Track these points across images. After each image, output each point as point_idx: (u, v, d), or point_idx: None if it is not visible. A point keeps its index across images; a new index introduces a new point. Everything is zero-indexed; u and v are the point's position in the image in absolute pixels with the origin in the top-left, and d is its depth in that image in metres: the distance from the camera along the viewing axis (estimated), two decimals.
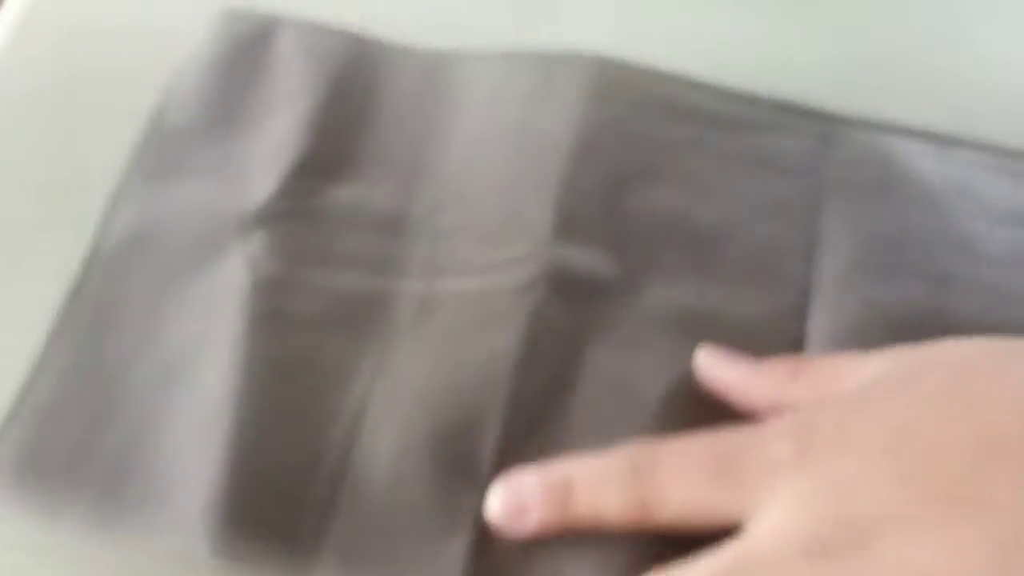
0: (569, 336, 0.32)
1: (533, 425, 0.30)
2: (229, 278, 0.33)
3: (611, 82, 0.37)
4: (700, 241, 0.34)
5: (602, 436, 0.30)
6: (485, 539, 0.28)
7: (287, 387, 0.31)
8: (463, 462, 0.29)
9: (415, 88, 0.38)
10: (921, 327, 0.31)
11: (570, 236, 0.33)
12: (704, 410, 0.30)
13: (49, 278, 0.33)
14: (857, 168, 0.35)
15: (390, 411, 0.31)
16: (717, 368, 0.31)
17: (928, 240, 0.34)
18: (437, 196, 0.35)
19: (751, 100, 0.37)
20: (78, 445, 0.30)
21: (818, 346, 0.32)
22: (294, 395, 0.31)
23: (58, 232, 0.35)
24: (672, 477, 0.27)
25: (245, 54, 0.38)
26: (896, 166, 0.35)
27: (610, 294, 0.33)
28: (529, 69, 0.37)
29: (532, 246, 0.33)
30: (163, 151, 0.36)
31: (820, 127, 0.36)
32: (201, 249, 0.34)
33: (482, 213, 0.34)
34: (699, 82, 0.37)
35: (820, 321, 0.32)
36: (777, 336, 0.32)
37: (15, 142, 0.37)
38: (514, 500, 0.28)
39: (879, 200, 0.34)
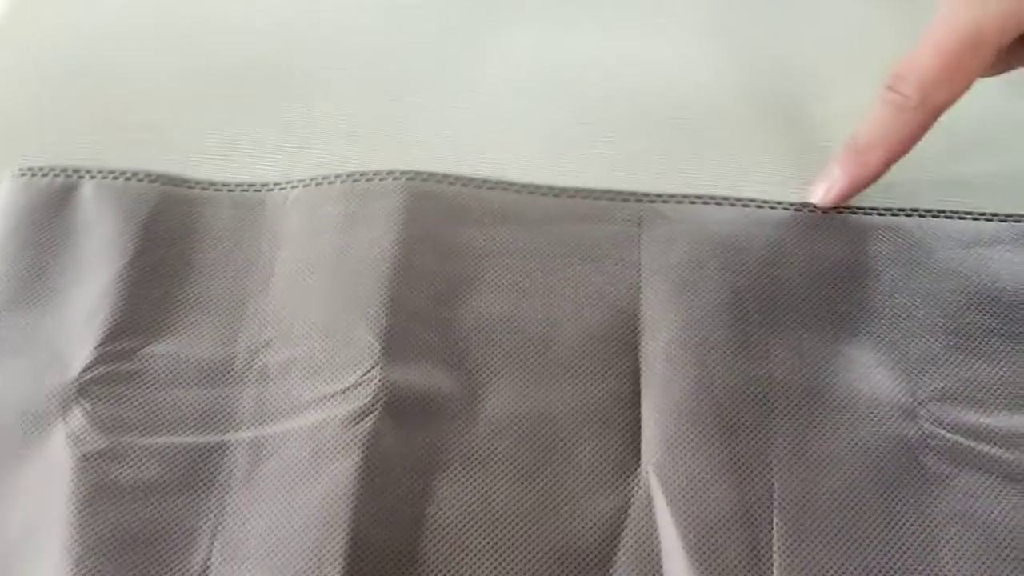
0: (409, 464, 0.32)
1: (380, 567, 0.30)
2: (54, 459, 0.32)
3: (423, 196, 0.37)
4: (530, 341, 0.34)
5: (456, 566, 0.30)
6: None
7: (124, 565, 0.30)
8: None
9: (229, 226, 0.37)
10: (749, 398, 0.32)
11: (401, 356, 0.33)
12: (560, 528, 0.31)
13: None
14: (671, 246, 0.36)
15: (232, 571, 0.30)
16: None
17: (746, 310, 0.35)
18: (261, 336, 0.35)
19: (564, 192, 0.38)
20: None
21: (653, 429, 0.32)
22: (134, 570, 0.30)
23: None
24: None
25: (46, 216, 0.37)
26: (710, 237, 0.37)
27: (449, 409, 0.33)
28: (342, 193, 0.37)
29: (363, 372, 0.33)
30: None
31: (634, 209, 0.37)
32: (23, 432, 0.32)
33: (308, 346, 0.34)
34: (510, 182, 0.38)
35: (652, 405, 0.33)
36: (613, 425, 0.33)
37: None
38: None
39: (696, 275, 0.35)
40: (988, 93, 0.36)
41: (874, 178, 0.36)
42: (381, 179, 0.37)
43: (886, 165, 0.35)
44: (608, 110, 0.41)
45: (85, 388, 0.33)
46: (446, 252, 0.36)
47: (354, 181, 0.37)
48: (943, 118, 0.34)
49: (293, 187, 0.38)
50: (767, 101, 0.42)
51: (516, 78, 0.42)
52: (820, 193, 0.37)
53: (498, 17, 0.44)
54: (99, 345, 0.33)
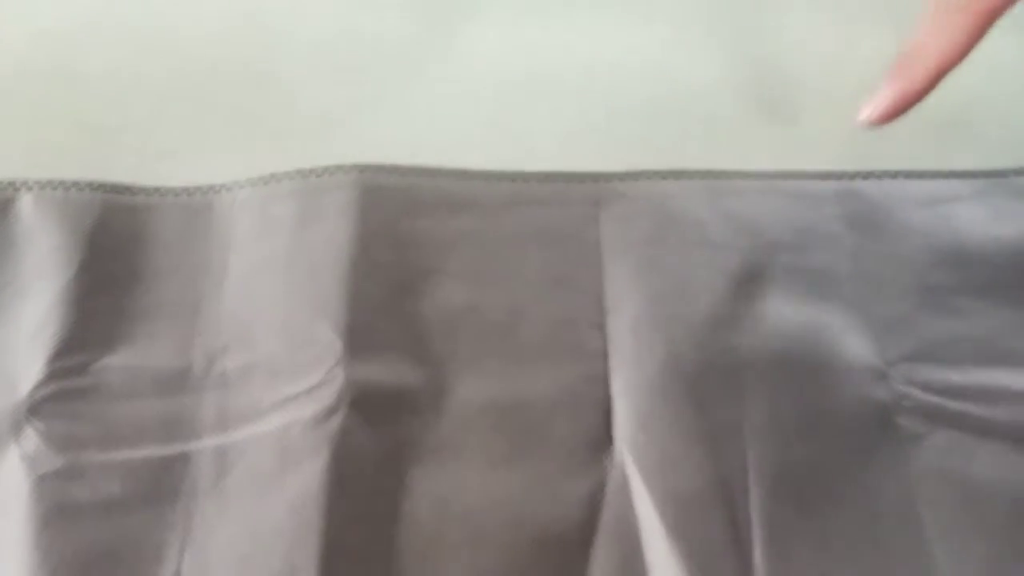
0: (380, 460, 0.31)
1: (356, 567, 0.29)
2: (8, 483, 0.30)
3: (377, 189, 0.36)
4: (495, 329, 0.34)
5: (434, 560, 0.29)
6: None
7: None
8: None
9: (177, 232, 0.36)
10: (719, 370, 0.32)
11: (364, 351, 0.32)
12: (537, 513, 0.30)
13: None
14: (631, 224, 0.36)
15: None
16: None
17: (709, 284, 0.34)
18: (218, 341, 0.34)
19: (519, 177, 0.37)
20: None
21: (625, 408, 0.32)
22: None
23: None
24: None
25: None
26: (670, 212, 0.36)
27: (417, 401, 0.32)
28: (292, 191, 0.36)
29: (326, 370, 0.32)
30: None
31: (591, 190, 0.37)
32: None
33: (269, 348, 0.33)
34: (465, 170, 0.37)
35: (622, 383, 0.32)
36: (584, 406, 0.32)
37: None
38: None
39: (657, 251, 0.35)
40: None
41: (924, 91, 0.31)
42: (331, 174, 0.36)
43: (937, 76, 0.31)
44: (581, 101, 0.41)
45: (36, 407, 0.31)
46: (404, 244, 0.35)
47: (304, 178, 0.36)
48: None
49: (241, 188, 0.37)
50: (742, 90, 0.42)
51: (481, 70, 0.41)
52: (866, 112, 0.32)
53: (463, 9, 0.43)
54: (49, 361, 0.32)
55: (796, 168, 0.38)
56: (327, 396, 0.31)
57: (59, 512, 0.30)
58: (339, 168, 0.36)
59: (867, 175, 0.38)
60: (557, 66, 0.42)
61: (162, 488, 0.31)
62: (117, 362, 0.33)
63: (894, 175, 0.38)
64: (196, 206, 0.37)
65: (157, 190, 0.37)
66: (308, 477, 0.30)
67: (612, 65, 0.42)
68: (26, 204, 0.36)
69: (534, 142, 0.39)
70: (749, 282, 0.34)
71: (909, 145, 0.39)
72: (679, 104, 0.41)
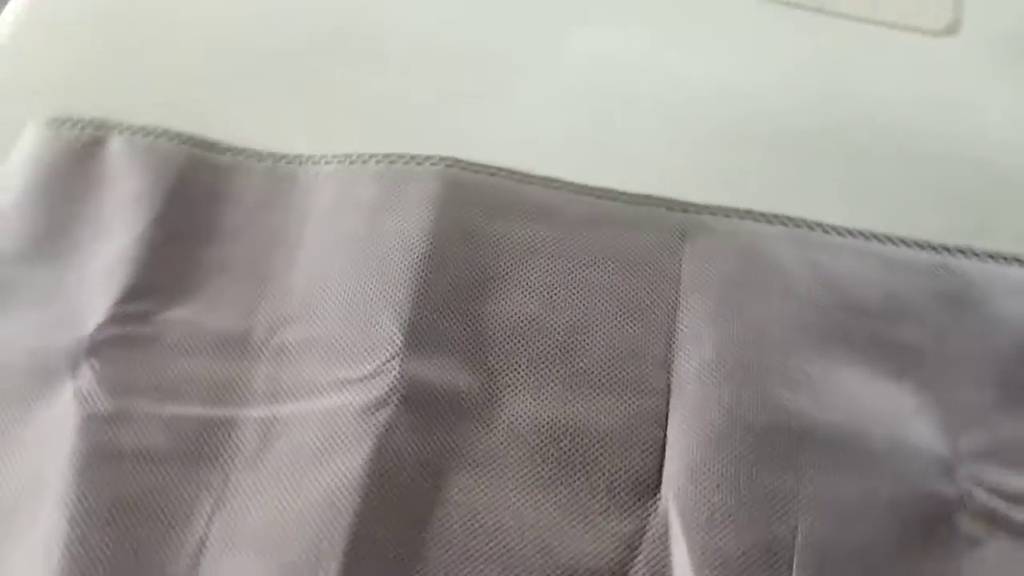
0: (420, 461, 0.30)
1: (379, 566, 0.28)
2: (60, 415, 0.31)
3: (460, 185, 0.35)
4: (557, 347, 0.33)
5: (458, 573, 0.29)
6: None
7: (120, 529, 0.29)
8: None
9: (258, 196, 0.36)
10: (782, 432, 0.31)
11: (422, 348, 0.32)
12: (570, 545, 0.29)
13: None
14: (715, 262, 0.35)
15: (228, 552, 0.29)
16: None
17: (786, 338, 0.33)
18: (281, 311, 0.33)
19: (608, 195, 0.36)
20: None
21: (678, 455, 0.31)
22: (128, 538, 0.29)
23: None
24: None
25: (72, 168, 0.36)
26: (755, 255, 0.35)
27: (467, 408, 0.32)
28: (376, 174, 0.36)
29: (382, 361, 0.32)
30: None
31: (678, 220, 0.36)
32: (33, 385, 0.32)
33: (329, 328, 0.33)
34: (551, 179, 0.37)
35: (679, 429, 0.31)
36: (637, 445, 0.31)
37: None
38: None
39: (737, 295, 0.34)
40: None
41: None
42: (418, 163, 0.36)
43: None
44: (664, 120, 0.40)
45: (96, 347, 0.32)
46: (478, 245, 0.34)
47: (390, 163, 0.36)
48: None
49: (327, 163, 0.37)
50: (829, 126, 0.40)
51: (583, 80, 0.41)
52: None
53: (566, 20, 0.43)
54: (115, 304, 0.32)
55: (889, 229, 0.36)
56: (379, 387, 0.31)
57: (101, 455, 0.30)
58: (426, 158, 0.36)
59: (966, 252, 0.36)
60: (659, 86, 0.41)
61: (204, 450, 0.31)
62: (180, 316, 0.33)
63: (994, 257, 0.36)
64: (280, 173, 0.37)
65: (243, 151, 0.37)
66: (347, 467, 0.30)
67: (714, 92, 0.41)
68: (115, 146, 0.36)
69: (624, 159, 0.38)
70: (827, 343, 0.33)
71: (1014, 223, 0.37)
72: (770, 139, 0.39)
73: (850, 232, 0.36)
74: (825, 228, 0.36)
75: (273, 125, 0.38)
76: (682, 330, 0.33)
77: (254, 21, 0.41)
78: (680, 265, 0.35)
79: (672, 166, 0.38)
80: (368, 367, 0.32)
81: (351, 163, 0.36)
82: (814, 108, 0.41)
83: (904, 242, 0.36)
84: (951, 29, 0.43)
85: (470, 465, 0.31)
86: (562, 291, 0.34)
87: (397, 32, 0.41)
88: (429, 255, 0.34)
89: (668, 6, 0.44)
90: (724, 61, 0.42)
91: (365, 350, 0.32)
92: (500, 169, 0.36)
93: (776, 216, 0.36)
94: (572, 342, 0.33)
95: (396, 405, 0.31)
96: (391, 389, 0.31)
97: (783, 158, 0.39)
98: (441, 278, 0.33)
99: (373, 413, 0.31)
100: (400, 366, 0.31)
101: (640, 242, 0.35)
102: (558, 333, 0.33)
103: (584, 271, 0.34)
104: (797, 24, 0.43)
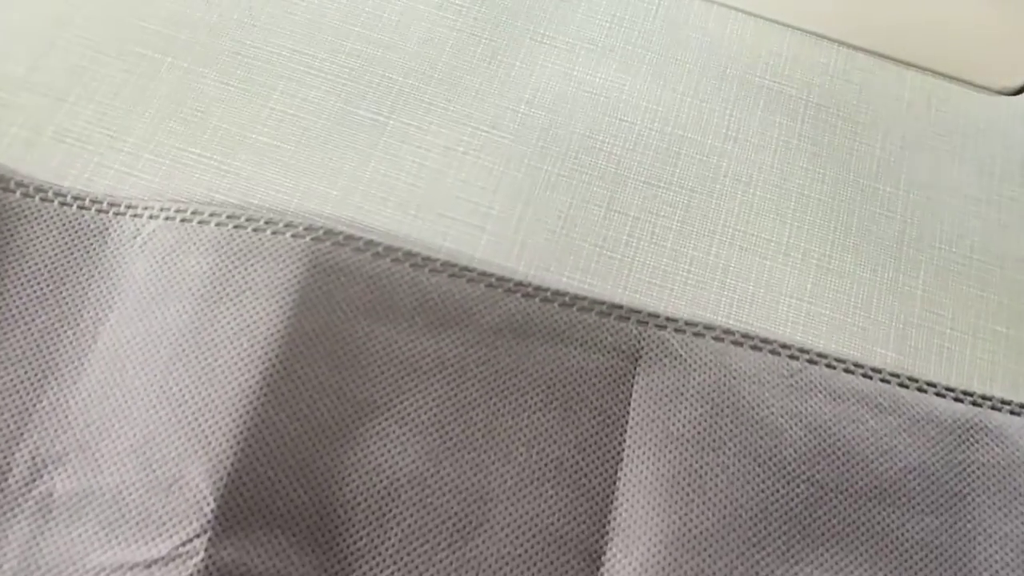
0: None
1: None
2: None
3: (331, 270, 0.25)
4: (446, 524, 0.23)
5: None
6: None
7: None
8: None
9: (51, 257, 0.25)
10: None
11: (243, 522, 0.22)
12: None
13: None
14: (676, 404, 0.25)
15: None
16: None
17: (766, 528, 0.23)
18: (55, 444, 0.23)
19: (539, 292, 0.26)
20: None
21: None
22: None
23: None
24: None
25: None
26: (731, 400, 0.25)
27: None
28: (216, 242, 0.25)
29: (183, 539, 0.22)
30: None
31: (631, 335, 0.26)
32: None
33: (115, 478, 0.23)
34: (464, 266, 0.26)
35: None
36: None
37: None
38: None
39: (697, 462, 0.24)
40: None
41: None
42: (274, 231, 0.25)
43: None
44: (615, 176, 0.30)
45: None
46: (349, 361, 0.24)
47: (235, 226, 0.25)
48: None
49: (151, 215, 0.26)
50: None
51: (506, 119, 0.30)
52: None
53: (526, 44, 0.32)
54: None
55: (912, 369, 0.27)
56: (178, 573, 0.21)
57: None
58: (288, 225, 0.25)
59: (1015, 407, 0.26)
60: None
61: None
62: None
63: None
64: (86, 227, 0.26)
65: (41, 189, 0.26)
66: None
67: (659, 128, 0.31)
68: None
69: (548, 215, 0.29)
70: (823, 538, 0.24)
71: None
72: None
73: (860, 367, 0.27)
74: (830, 361, 0.27)
75: (103, 144, 0.28)
76: (621, 510, 0.24)
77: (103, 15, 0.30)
78: (628, 405, 0.25)
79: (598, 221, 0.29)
80: (163, 545, 0.22)
81: (183, 219, 0.26)
82: None
83: (934, 387, 0.26)
84: None
85: None
86: (462, 435, 0.24)
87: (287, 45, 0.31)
88: (274, 374, 0.23)
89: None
90: None
91: (163, 518, 0.22)
92: (389, 247, 0.26)
93: (764, 340, 0.27)
94: (469, 515, 0.23)
95: None
96: None
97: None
98: (288, 410, 0.23)
99: None
100: (208, 548, 0.22)
101: (579, 366, 0.25)
102: (450, 501, 0.23)
103: (500, 406, 0.25)
104: None
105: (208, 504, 0.22)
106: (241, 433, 0.23)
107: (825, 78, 0.33)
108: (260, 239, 0.25)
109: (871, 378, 0.26)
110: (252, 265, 0.25)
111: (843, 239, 0.30)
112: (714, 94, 0.32)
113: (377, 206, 0.28)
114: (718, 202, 0.29)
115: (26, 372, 0.24)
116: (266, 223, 0.25)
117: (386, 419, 0.24)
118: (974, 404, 0.26)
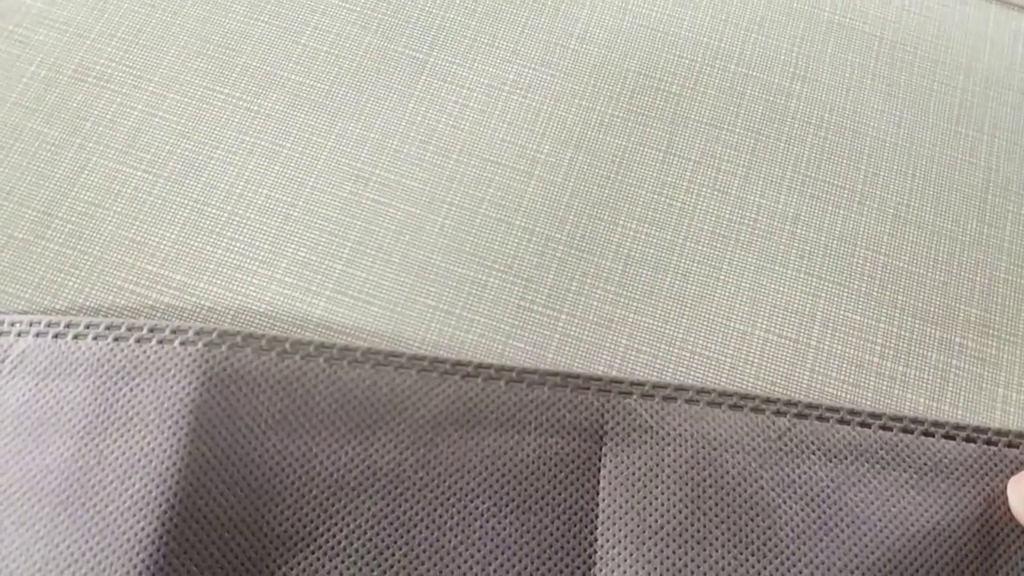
0: None
1: None
2: None
3: (231, 379, 0.22)
4: None
5: None
6: None
7: None
8: None
9: None
10: None
11: None
12: None
13: None
14: (652, 490, 0.22)
15: None
16: None
17: None
18: None
19: (481, 371, 0.23)
20: None
21: None
22: None
23: None
24: None
25: None
26: (713, 470, 0.22)
27: None
28: (94, 361, 0.22)
29: None
30: None
31: (593, 409, 0.23)
32: None
33: None
34: (390, 352, 0.23)
35: None
36: None
37: None
38: None
39: (678, 558, 0.21)
40: None
41: None
42: (160, 339, 0.22)
43: None
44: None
45: None
46: (262, 488, 0.21)
47: (116, 338, 0.22)
48: None
49: (19, 332, 0.23)
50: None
51: (555, 56, 0.28)
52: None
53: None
54: None
55: (933, 412, 0.24)
56: None
57: None
58: (175, 331, 0.22)
59: (1020, 440, 0.23)
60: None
61: None
62: None
63: None
64: None
65: None
66: None
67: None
68: None
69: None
70: None
71: None
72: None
73: (855, 415, 0.23)
74: (821, 412, 0.23)
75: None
76: None
77: None
78: (596, 497, 0.22)
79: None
80: None
81: (56, 335, 0.23)
82: None
83: (940, 427, 0.23)
84: None
85: None
86: (404, 561, 0.21)
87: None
88: (174, 517, 0.21)
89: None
90: None
91: None
92: (298, 342, 0.23)
93: (744, 397, 0.23)
94: None
95: None
96: None
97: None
98: (195, 558, 0.20)
99: None
100: None
101: (535, 456, 0.22)
102: None
103: (443, 519, 0.22)
104: None
105: None
106: None
107: (901, 13, 0.30)
108: (144, 351, 0.22)
109: (869, 427, 0.23)
110: (138, 385, 0.22)
111: (922, 187, 0.27)
112: (781, 30, 0.29)
113: (417, 150, 0.26)
114: (786, 146, 0.27)
115: None
116: (150, 331, 0.22)
117: (313, 552, 0.21)
118: (987, 443, 0.24)
